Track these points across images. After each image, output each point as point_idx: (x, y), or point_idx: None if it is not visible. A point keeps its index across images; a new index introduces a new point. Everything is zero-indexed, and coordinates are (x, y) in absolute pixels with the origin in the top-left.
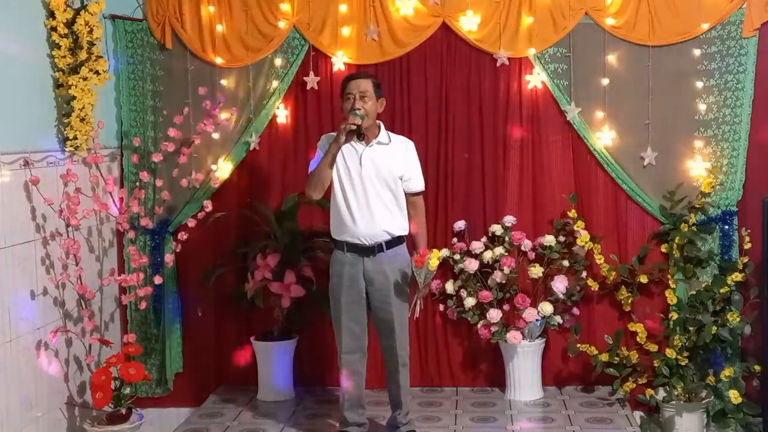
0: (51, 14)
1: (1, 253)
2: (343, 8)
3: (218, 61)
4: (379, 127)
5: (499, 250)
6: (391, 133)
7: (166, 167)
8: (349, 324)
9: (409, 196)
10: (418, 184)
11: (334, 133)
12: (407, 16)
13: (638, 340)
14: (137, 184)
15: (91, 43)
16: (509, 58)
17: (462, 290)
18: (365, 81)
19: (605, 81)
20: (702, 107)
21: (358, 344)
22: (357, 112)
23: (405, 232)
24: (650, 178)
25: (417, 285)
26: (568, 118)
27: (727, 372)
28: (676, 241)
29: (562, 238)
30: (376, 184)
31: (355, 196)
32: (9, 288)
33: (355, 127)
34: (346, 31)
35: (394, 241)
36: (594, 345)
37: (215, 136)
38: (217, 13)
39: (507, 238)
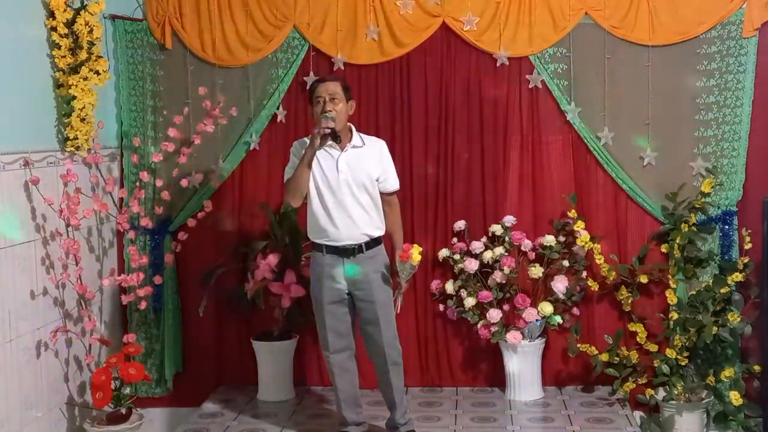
0: (51, 14)
1: (1, 253)
2: (343, 8)
3: (218, 61)
4: (351, 131)
5: (499, 250)
6: (363, 135)
7: (166, 167)
8: (333, 323)
9: (384, 195)
10: (393, 183)
11: (307, 139)
12: (407, 16)
13: (638, 340)
14: (137, 184)
15: (91, 43)
16: (509, 58)
17: (462, 290)
18: (333, 84)
19: (605, 81)
20: (702, 107)
21: (345, 342)
22: (328, 114)
23: (382, 233)
24: (650, 178)
25: (399, 281)
26: (568, 118)
27: (727, 372)
28: (677, 241)
29: (562, 238)
30: (353, 189)
31: (333, 201)
32: (9, 288)
33: (329, 131)
34: (346, 31)
35: (373, 242)
36: (594, 345)
37: (215, 136)
38: (217, 13)
39: (507, 238)
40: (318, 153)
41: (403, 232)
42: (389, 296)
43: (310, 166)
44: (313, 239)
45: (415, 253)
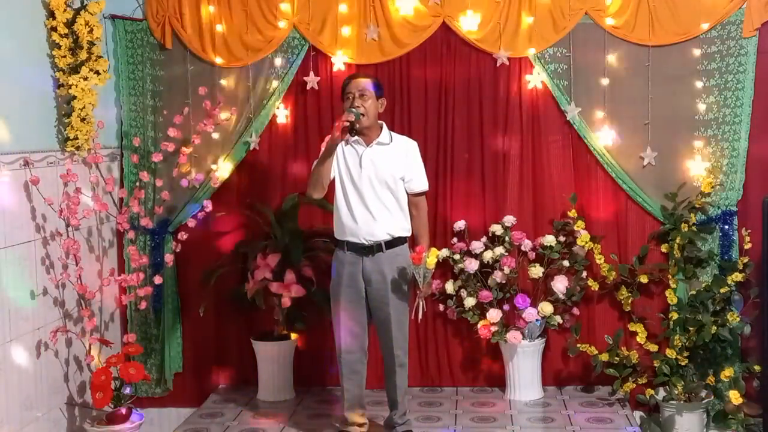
0: (51, 14)
1: (1, 253)
2: (343, 8)
3: (218, 61)
4: (381, 128)
5: (499, 250)
6: (394, 134)
7: (166, 167)
8: (348, 323)
9: (411, 196)
10: (420, 184)
11: None
12: (407, 16)
13: (638, 340)
14: (137, 184)
15: (91, 43)
16: (509, 58)
17: (462, 290)
18: (365, 80)
19: (605, 81)
20: (702, 107)
21: (359, 344)
22: (353, 110)
23: (406, 233)
24: (650, 178)
25: (418, 286)
26: (568, 118)
27: (727, 372)
28: (677, 241)
29: (562, 238)
30: (375, 185)
31: (355, 196)
32: (9, 288)
33: (348, 124)
34: (346, 31)
35: (394, 242)
36: (594, 345)
37: (215, 136)
38: (217, 13)
39: (507, 238)
40: (344, 148)
41: (429, 236)
42: (404, 298)
43: (329, 159)
44: (337, 236)
45: (431, 257)
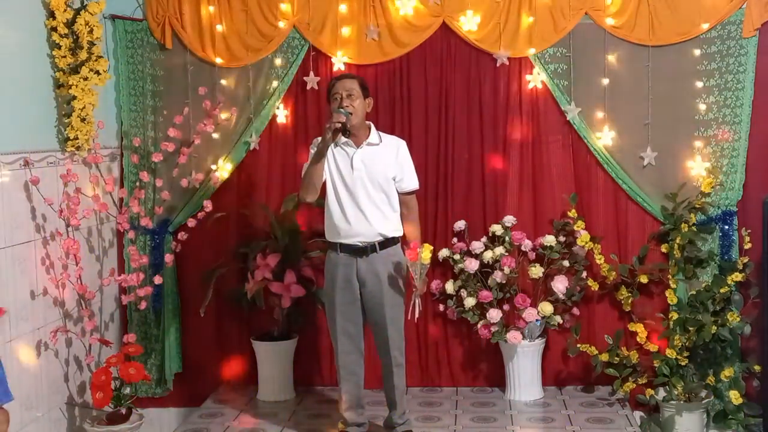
0: (51, 14)
1: (1, 253)
2: (343, 8)
3: (218, 61)
4: (369, 128)
5: (499, 250)
6: (382, 134)
7: (166, 167)
8: (344, 325)
9: (401, 195)
10: (410, 183)
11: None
12: (407, 16)
13: (638, 340)
14: (137, 184)
15: (92, 43)
16: (509, 58)
17: (462, 290)
18: (351, 81)
19: (605, 81)
20: (702, 107)
21: (355, 345)
22: (342, 110)
23: (399, 233)
24: (650, 178)
25: (414, 283)
26: (568, 118)
27: (727, 372)
28: (677, 241)
29: (562, 238)
30: (368, 186)
31: (348, 198)
32: (9, 288)
33: (339, 125)
34: (346, 31)
35: (388, 242)
36: (594, 345)
37: (215, 136)
38: (217, 13)
39: (507, 238)
40: (335, 150)
41: (420, 234)
42: (400, 298)
43: (321, 161)
44: (329, 238)
45: (426, 252)
